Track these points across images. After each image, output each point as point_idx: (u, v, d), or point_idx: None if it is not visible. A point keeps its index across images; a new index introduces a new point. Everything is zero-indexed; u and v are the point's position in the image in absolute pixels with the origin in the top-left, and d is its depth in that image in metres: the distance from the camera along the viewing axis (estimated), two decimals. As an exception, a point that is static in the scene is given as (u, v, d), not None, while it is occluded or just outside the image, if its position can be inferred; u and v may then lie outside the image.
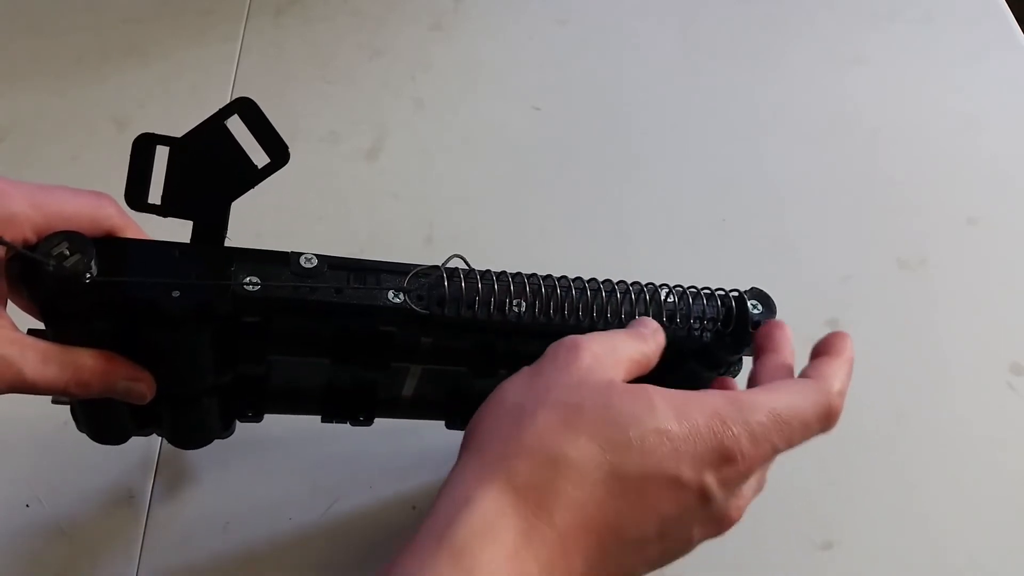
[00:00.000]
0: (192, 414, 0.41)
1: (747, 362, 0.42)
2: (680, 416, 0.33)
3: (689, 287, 0.41)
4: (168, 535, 0.48)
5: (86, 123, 0.65)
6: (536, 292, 0.39)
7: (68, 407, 0.42)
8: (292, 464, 0.51)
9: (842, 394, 0.37)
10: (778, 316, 0.41)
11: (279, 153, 0.36)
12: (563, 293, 0.39)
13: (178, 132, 0.36)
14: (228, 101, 0.36)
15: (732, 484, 0.34)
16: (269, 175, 0.37)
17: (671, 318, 0.40)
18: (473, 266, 0.39)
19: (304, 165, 0.63)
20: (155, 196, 0.37)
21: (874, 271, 0.64)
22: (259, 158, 0.36)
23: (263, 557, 0.48)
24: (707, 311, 0.41)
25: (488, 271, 0.39)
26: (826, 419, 0.36)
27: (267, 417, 0.45)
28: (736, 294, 0.41)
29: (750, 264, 0.63)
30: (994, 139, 0.72)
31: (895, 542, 0.52)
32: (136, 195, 0.37)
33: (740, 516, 0.36)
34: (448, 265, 0.39)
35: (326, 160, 0.65)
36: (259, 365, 0.41)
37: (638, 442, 0.32)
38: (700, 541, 0.35)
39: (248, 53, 0.71)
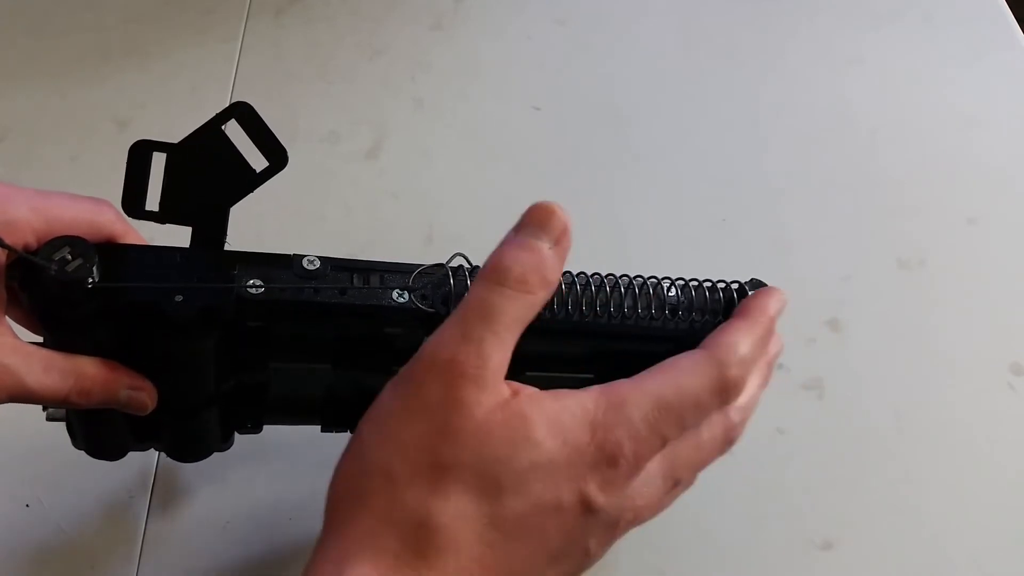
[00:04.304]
0: (192, 426, 0.41)
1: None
2: (556, 435, 0.31)
3: (691, 279, 0.41)
4: (168, 535, 0.48)
5: (86, 123, 0.65)
6: None
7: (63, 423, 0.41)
8: (292, 465, 0.51)
9: (744, 362, 0.34)
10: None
11: (277, 157, 0.36)
12: (565, 288, 0.39)
13: (178, 132, 0.36)
14: (228, 101, 0.36)
15: (619, 487, 0.32)
16: (268, 179, 0.36)
17: (673, 311, 0.40)
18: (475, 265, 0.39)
19: (304, 165, 0.63)
20: (152, 203, 0.36)
21: (874, 271, 0.64)
22: (257, 162, 0.36)
23: (263, 557, 0.48)
24: (708, 303, 0.41)
25: None
26: (723, 393, 0.33)
27: (267, 420, 0.45)
28: (736, 285, 0.41)
29: (750, 264, 0.62)
30: (994, 139, 0.72)
31: (895, 542, 0.52)
32: (134, 202, 0.36)
33: (651, 510, 0.33)
34: (451, 264, 0.39)
35: (326, 160, 0.65)
36: (260, 372, 0.40)
37: (513, 484, 0.30)
38: (601, 548, 0.33)
39: (248, 53, 0.71)
